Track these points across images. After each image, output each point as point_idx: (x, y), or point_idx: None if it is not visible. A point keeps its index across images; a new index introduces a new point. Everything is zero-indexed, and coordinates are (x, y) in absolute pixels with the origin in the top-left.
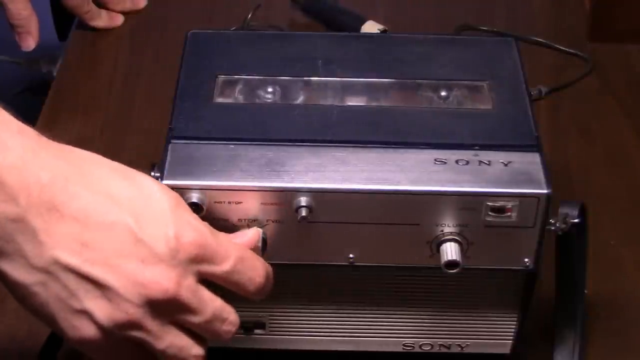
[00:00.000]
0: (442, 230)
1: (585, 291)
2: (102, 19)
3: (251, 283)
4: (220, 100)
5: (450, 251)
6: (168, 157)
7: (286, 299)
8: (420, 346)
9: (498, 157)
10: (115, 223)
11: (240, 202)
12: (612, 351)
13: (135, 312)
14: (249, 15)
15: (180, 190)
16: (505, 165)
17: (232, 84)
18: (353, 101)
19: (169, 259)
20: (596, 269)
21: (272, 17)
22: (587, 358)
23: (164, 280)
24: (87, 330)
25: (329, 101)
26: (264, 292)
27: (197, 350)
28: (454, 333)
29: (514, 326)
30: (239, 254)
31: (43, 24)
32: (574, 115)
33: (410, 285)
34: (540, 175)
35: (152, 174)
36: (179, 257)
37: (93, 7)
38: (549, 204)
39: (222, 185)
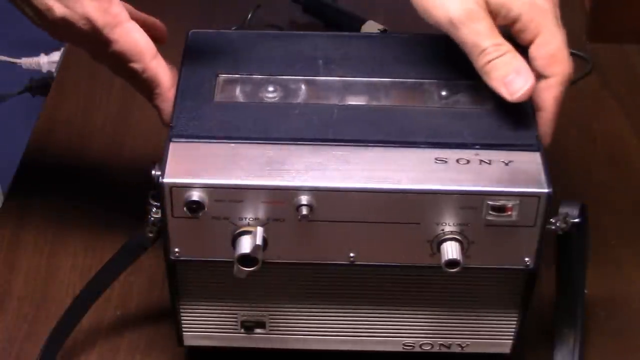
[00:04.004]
0: (442, 230)
1: (585, 291)
2: None
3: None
4: (220, 99)
5: (450, 250)
6: (169, 156)
7: (286, 298)
8: (420, 346)
9: (498, 157)
10: None
11: (241, 201)
12: (612, 351)
13: None
14: (249, 15)
15: (181, 189)
16: (506, 164)
17: (232, 83)
18: (353, 100)
19: None
20: (596, 269)
21: (272, 17)
22: (587, 358)
23: None
24: None
25: (329, 100)
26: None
27: None
28: (454, 333)
29: (514, 326)
30: None
31: None
32: (574, 115)
33: (410, 284)
34: (540, 174)
35: (153, 172)
36: None
37: None
38: (549, 203)
39: (223, 184)
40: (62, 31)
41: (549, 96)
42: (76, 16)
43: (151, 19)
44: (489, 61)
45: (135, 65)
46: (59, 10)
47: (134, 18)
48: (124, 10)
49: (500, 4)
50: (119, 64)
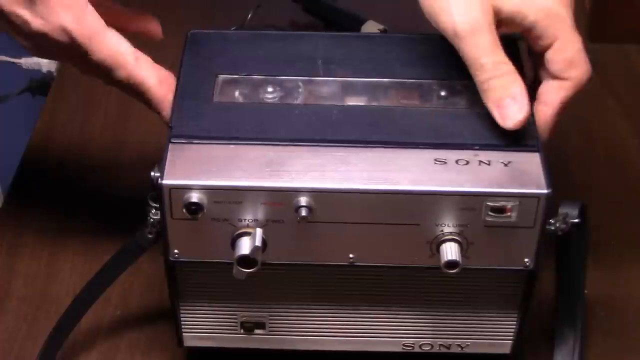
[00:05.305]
0: (442, 230)
1: (585, 291)
2: None
3: None
4: (220, 99)
5: (450, 251)
6: (168, 157)
7: (286, 299)
8: (420, 346)
9: (498, 157)
10: None
11: (240, 202)
12: (612, 351)
13: None
14: (249, 15)
15: (181, 190)
16: (505, 165)
17: (232, 83)
18: (353, 101)
19: None
20: (596, 269)
21: (272, 17)
22: (587, 358)
23: None
24: None
25: (329, 101)
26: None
27: None
28: (454, 333)
29: (514, 326)
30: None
31: None
32: (574, 115)
33: (410, 285)
34: (540, 175)
35: (152, 173)
36: None
37: None
38: (549, 204)
39: (222, 185)
40: (41, 46)
41: (558, 96)
42: (52, 28)
43: (141, 15)
44: (487, 79)
45: (118, 74)
46: (35, 22)
47: (119, 17)
48: (100, 20)
49: (514, 11)
50: (105, 74)
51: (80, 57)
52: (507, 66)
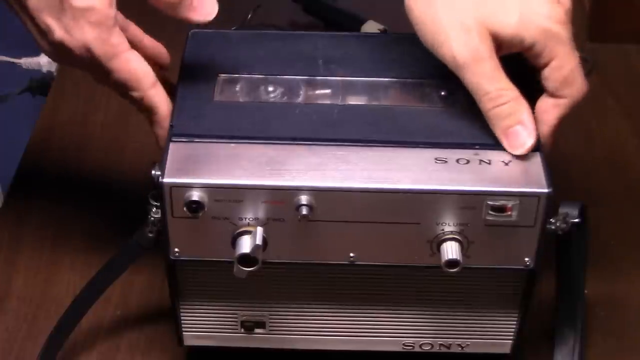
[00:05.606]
0: (442, 230)
1: (585, 291)
2: None
3: None
4: (221, 98)
5: (450, 250)
6: (169, 156)
7: (286, 298)
8: (420, 346)
9: (498, 156)
10: None
11: (241, 201)
12: (612, 351)
13: None
14: (249, 15)
15: (181, 189)
16: (506, 164)
17: (232, 82)
18: (354, 100)
19: None
20: (596, 269)
21: (272, 17)
22: (587, 358)
23: None
24: None
25: (329, 100)
26: None
27: None
28: (454, 333)
29: (514, 326)
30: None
31: None
32: (574, 115)
33: (410, 284)
34: (540, 174)
35: (153, 172)
36: None
37: None
38: (549, 204)
39: (223, 184)
40: (61, 54)
41: (554, 115)
42: (75, 42)
43: (154, 44)
44: (493, 107)
45: (134, 94)
46: (58, 33)
47: (137, 43)
48: (124, 40)
49: (512, 35)
50: (122, 91)
51: (99, 72)
52: (512, 92)
